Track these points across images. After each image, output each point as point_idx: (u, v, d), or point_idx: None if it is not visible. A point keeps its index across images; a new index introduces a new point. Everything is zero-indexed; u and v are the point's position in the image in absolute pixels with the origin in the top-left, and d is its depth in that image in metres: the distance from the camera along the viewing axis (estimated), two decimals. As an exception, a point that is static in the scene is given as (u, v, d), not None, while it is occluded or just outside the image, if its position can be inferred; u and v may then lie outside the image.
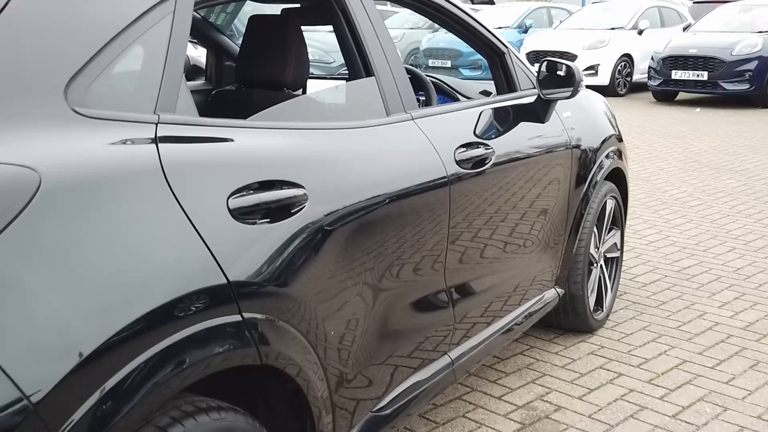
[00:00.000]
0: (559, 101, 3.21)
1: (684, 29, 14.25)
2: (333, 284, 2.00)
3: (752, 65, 12.29)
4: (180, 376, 1.53)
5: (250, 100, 2.44)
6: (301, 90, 2.66)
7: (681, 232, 5.60)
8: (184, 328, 1.54)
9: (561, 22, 16.12)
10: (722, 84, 12.44)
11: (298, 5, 2.78)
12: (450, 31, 3.10)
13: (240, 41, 2.79)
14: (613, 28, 14.71)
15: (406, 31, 16.69)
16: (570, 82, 3.08)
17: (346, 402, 2.11)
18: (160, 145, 1.64)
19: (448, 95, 3.47)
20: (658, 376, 3.40)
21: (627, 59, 14.25)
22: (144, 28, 1.73)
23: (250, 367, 1.74)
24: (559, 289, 3.51)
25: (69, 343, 1.36)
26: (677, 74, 12.78)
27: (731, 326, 3.92)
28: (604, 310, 3.91)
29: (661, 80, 13.02)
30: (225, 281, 1.65)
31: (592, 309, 3.76)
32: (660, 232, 5.60)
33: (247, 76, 2.69)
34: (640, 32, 14.68)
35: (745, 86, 12.35)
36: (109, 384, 1.40)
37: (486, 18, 15.37)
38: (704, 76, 12.54)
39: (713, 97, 13.19)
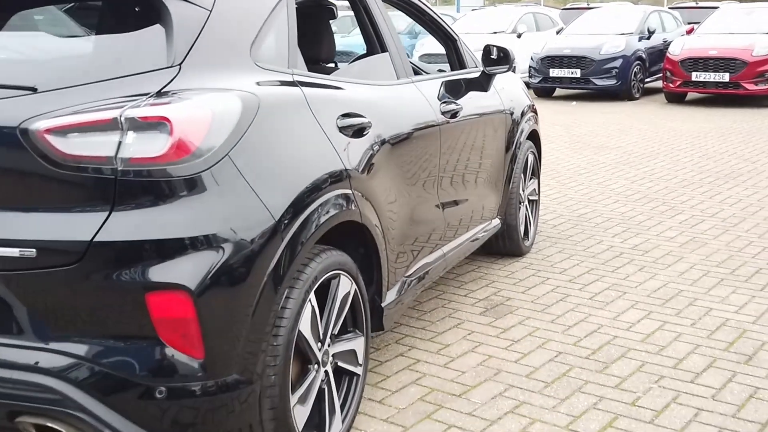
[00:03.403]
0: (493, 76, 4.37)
1: (557, 32, 15.94)
2: (387, 182, 3.06)
3: (618, 63, 14.01)
4: (328, 220, 2.55)
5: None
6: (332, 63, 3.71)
7: (576, 192, 6.91)
8: (331, 191, 2.57)
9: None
10: (593, 80, 14.10)
11: (331, 3, 3.80)
12: (420, 25, 4.20)
13: None
14: (495, 33, 16.21)
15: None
16: (506, 60, 4.24)
17: (393, 266, 3.16)
18: (300, 86, 2.67)
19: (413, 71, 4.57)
20: (575, 278, 4.61)
21: (509, 60, 15.72)
22: (275, 16, 2.74)
23: (349, 226, 2.76)
24: (501, 219, 4.67)
25: (284, 191, 2.38)
26: (554, 72, 14.37)
27: (622, 247, 5.20)
28: (530, 239, 5.11)
29: (540, 78, 14.58)
30: (343, 167, 2.69)
31: (522, 237, 4.94)
32: (559, 192, 6.90)
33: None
34: (519, 36, 16.26)
35: (612, 81, 14.05)
36: (301, 218, 2.42)
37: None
38: (577, 73, 14.17)
39: (586, 92, 14.89)
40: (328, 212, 2.56)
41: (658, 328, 3.84)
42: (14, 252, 2.09)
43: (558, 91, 15.17)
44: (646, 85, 14.72)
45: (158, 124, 2.12)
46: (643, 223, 5.79)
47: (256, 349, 2.30)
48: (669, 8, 19.45)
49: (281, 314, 2.38)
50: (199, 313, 2.12)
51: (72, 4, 2.70)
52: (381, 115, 3.10)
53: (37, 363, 2.12)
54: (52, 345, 2.13)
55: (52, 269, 2.09)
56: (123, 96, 2.17)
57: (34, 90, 2.18)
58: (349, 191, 2.71)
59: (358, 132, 2.89)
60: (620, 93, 14.19)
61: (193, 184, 2.16)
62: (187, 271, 2.12)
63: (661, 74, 13.83)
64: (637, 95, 14.31)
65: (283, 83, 2.62)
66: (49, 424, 2.15)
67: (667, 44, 14.45)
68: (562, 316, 4.01)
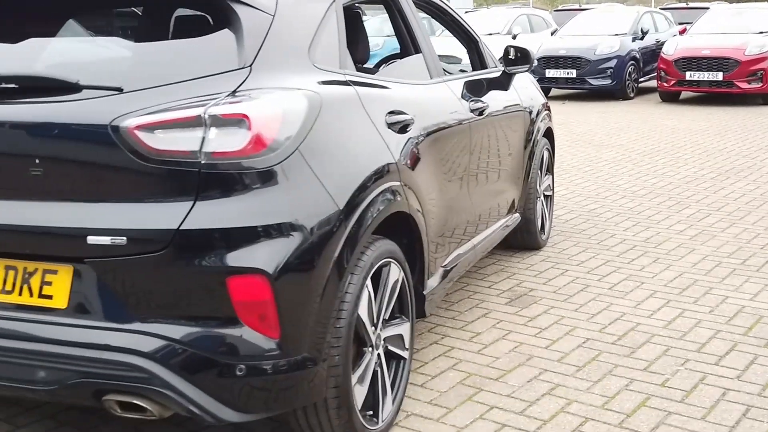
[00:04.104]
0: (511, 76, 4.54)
1: (552, 33, 16.15)
2: (427, 175, 3.22)
3: (612, 63, 14.23)
4: (383, 210, 2.71)
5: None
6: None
7: (583, 188, 7.10)
8: (384, 183, 2.73)
9: (443, 30, 17.72)
10: (589, 80, 14.32)
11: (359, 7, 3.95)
12: (444, 27, 4.37)
13: None
14: (490, 34, 16.40)
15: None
16: (526, 60, 4.40)
17: (434, 255, 3.33)
18: (353, 85, 2.83)
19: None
20: (593, 269, 4.78)
21: (505, 61, 15.93)
22: (327, 20, 2.90)
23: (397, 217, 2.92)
24: (520, 214, 4.84)
25: (346, 183, 2.54)
26: (550, 72, 14.59)
27: (635, 240, 5.38)
28: (546, 233, 5.28)
29: (536, 78, 14.70)
30: (394, 161, 2.85)
31: (539, 231, 5.12)
32: (567, 188, 7.08)
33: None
34: (514, 37, 16.45)
35: (607, 81, 14.28)
36: (361, 208, 2.58)
37: (371, 28, 16.66)
38: (573, 73, 14.39)
39: (582, 92, 15.11)
40: (382, 203, 2.72)
41: (678, 315, 4.02)
42: (106, 240, 2.24)
43: (554, 91, 15.37)
44: (640, 85, 14.96)
45: (238, 120, 2.28)
46: (652, 218, 5.98)
47: (323, 330, 2.45)
48: (660, 9, 19.73)
49: (344, 298, 2.53)
50: (276, 296, 2.27)
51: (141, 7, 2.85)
52: (420, 112, 3.26)
53: (125, 344, 2.27)
54: (139, 327, 2.28)
55: (140, 256, 2.24)
56: (203, 95, 2.32)
57: (120, 90, 2.33)
58: (398, 183, 2.87)
59: (403, 128, 3.05)
60: (615, 92, 14.42)
61: (269, 176, 2.32)
62: (264, 256, 2.27)
63: (656, 74, 14.06)
64: (632, 95, 14.54)
65: (339, 83, 2.78)
66: (135, 401, 2.29)
67: (660, 44, 14.69)
68: (585, 305, 4.18)
